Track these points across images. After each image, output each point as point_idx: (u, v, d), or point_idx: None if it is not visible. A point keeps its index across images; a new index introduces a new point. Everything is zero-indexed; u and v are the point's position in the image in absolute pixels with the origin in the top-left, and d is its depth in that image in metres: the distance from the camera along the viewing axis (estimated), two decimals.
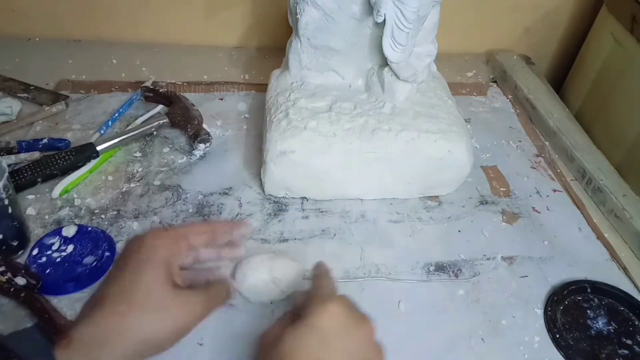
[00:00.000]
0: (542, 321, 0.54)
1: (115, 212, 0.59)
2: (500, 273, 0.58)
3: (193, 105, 0.72)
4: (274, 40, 0.91)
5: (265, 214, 0.61)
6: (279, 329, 0.39)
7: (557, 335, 0.52)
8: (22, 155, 0.63)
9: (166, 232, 0.42)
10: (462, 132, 0.62)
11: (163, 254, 0.40)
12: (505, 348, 0.51)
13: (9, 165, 0.61)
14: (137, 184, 0.63)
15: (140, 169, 0.65)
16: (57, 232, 0.55)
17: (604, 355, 0.51)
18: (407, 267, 0.57)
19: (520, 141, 0.78)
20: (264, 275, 0.51)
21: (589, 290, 0.57)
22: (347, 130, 0.59)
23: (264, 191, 0.63)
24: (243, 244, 0.46)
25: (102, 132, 0.69)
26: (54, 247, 0.54)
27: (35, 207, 0.58)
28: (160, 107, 0.74)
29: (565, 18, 0.96)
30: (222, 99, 0.79)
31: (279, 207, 0.63)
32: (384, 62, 0.62)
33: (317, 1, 0.57)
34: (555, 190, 0.70)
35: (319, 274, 0.46)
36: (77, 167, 0.62)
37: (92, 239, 0.55)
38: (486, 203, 0.67)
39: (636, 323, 0.55)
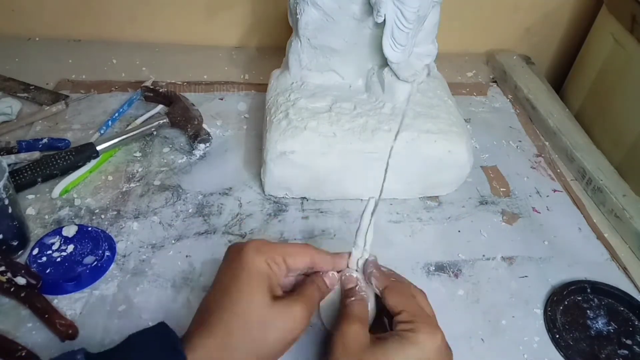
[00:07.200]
0: (542, 321, 0.54)
1: (115, 212, 0.59)
2: (500, 273, 0.58)
3: (193, 105, 0.72)
4: (274, 40, 0.91)
5: (265, 214, 0.61)
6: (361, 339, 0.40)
7: (557, 336, 0.52)
8: (22, 155, 0.63)
9: (267, 245, 0.42)
10: (462, 132, 0.62)
11: (262, 268, 0.41)
12: (505, 348, 0.51)
13: (9, 165, 0.61)
14: (137, 184, 0.63)
15: (140, 169, 0.65)
16: (57, 231, 0.55)
17: (603, 356, 0.51)
18: (407, 267, 0.57)
19: (520, 141, 0.78)
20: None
21: (588, 290, 0.57)
22: (347, 130, 0.59)
23: (264, 191, 0.63)
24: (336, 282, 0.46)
25: (102, 132, 0.69)
26: (54, 247, 0.53)
27: (35, 207, 0.59)
28: (160, 107, 0.74)
29: (565, 18, 0.96)
30: (222, 99, 0.79)
31: (279, 207, 0.63)
32: (384, 62, 0.62)
33: (317, 1, 0.57)
34: (555, 190, 0.70)
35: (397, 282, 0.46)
36: (77, 167, 0.62)
37: (92, 238, 0.55)
38: (486, 203, 0.67)
39: (636, 323, 0.55)
